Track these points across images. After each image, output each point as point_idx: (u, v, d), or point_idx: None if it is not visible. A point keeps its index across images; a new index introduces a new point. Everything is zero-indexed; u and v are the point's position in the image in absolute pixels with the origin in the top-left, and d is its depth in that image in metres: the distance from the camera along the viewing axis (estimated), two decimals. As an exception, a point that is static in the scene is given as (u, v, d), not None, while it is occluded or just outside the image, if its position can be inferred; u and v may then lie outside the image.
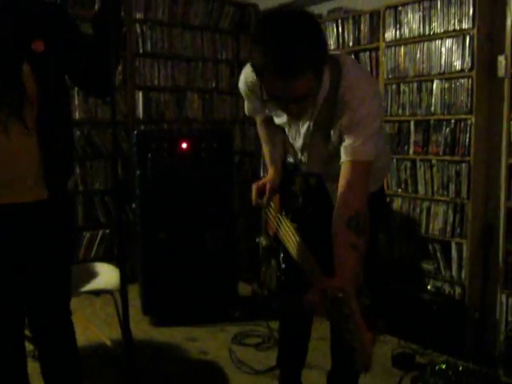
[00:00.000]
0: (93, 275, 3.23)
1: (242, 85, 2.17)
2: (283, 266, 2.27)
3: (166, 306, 4.02)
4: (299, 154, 2.19)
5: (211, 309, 4.11)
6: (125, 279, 1.95)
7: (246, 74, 2.10)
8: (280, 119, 2.10)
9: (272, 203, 2.41)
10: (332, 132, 1.91)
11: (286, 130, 2.17)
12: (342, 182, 1.79)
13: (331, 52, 1.91)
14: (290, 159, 2.33)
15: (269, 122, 2.28)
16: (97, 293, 3.09)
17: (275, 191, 2.36)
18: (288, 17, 1.66)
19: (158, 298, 3.98)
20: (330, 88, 1.84)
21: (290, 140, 2.19)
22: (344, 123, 1.84)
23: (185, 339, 3.75)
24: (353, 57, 4.45)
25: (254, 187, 2.35)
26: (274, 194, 2.37)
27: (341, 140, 1.87)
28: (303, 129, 2.04)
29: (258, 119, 2.42)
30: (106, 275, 3.18)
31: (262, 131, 2.43)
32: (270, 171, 2.39)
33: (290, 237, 2.03)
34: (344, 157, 1.82)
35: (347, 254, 1.64)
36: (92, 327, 3.81)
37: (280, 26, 1.62)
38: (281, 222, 2.25)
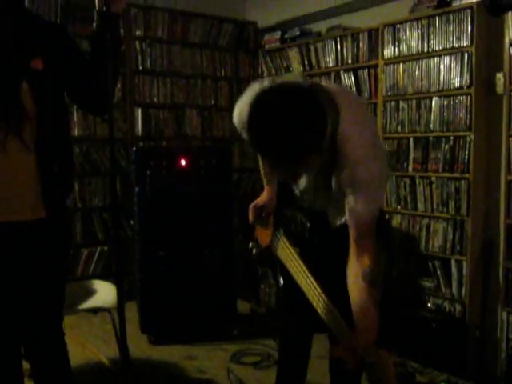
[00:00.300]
0: (90, 293, 3.21)
1: (237, 123, 2.08)
2: (282, 282, 2.25)
3: (164, 324, 3.99)
4: (301, 194, 2.16)
5: (209, 327, 4.08)
6: (122, 297, 1.92)
7: (241, 116, 1.97)
8: None
9: (269, 222, 2.40)
10: (333, 181, 1.88)
11: None
12: (351, 240, 1.81)
13: (324, 86, 1.84)
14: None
15: None
16: (94, 310, 3.06)
17: (271, 210, 2.36)
18: (288, 104, 1.53)
19: (157, 316, 3.95)
20: (328, 137, 1.73)
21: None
22: (344, 181, 1.79)
23: (183, 358, 3.71)
24: (351, 77, 4.47)
25: (252, 207, 2.35)
26: (270, 213, 2.36)
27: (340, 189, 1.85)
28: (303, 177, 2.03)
29: None
30: (104, 293, 3.16)
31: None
32: (266, 190, 2.39)
33: (293, 261, 2.01)
34: (348, 218, 1.81)
35: (368, 306, 1.69)
36: (89, 345, 3.78)
37: (280, 116, 1.51)
38: (278, 240, 2.24)
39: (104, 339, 3.87)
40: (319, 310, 1.78)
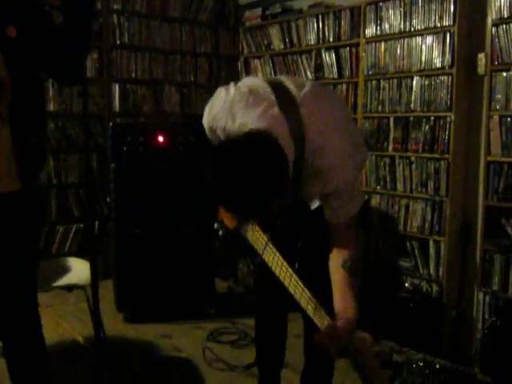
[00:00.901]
0: (65, 270, 3.15)
1: (205, 124, 2.08)
2: (259, 258, 2.23)
3: (140, 303, 3.95)
4: None
5: (186, 305, 4.06)
6: (96, 274, 1.89)
7: (212, 117, 1.98)
8: None
9: None
10: (305, 188, 1.90)
11: None
12: (332, 235, 1.86)
13: (289, 91, 1.84)
14: None
15: None
16: (69, 288, 3.01)
17: None
18: (247, 162, 1.52)
19: (132, 294, 3.91)
20: (294, 153, 1.74)
21: None
22: (319, 190, 1.83)
23: (159, 336, 3.68)
24: (333, 56, 4.42)
25: None
26: None
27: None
28: None
29: None
30: (79, 270, 3.10)
31: None
32: None
33: (264, 246, 1.99)
34: (327, 218, 1.86)
35: (347, 293, 1.75)
36: (64, 323, 3.73)
37: (240, 174, 1.52)
38: (247, 223, 2.19)
39: (79, 317, 3.82)
40: (295, 296, 1.78)
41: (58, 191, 4.65)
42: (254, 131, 1.61)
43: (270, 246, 1.95)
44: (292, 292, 1.78)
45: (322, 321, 1.64)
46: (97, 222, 4.70)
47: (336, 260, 1.82)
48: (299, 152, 1.76)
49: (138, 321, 3.88)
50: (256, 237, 2.08)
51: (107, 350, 2.60)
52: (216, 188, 1.61)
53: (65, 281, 3.02)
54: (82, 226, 4.72)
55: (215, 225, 2.41)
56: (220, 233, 2.38)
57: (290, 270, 1.80)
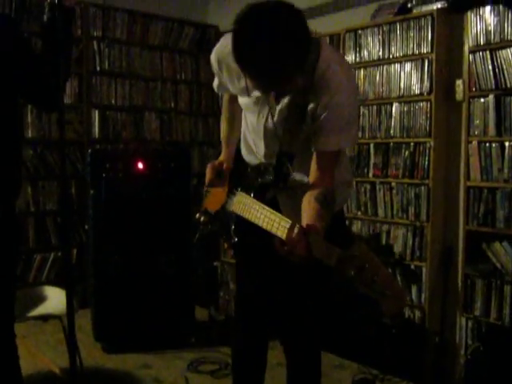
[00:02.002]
0: (41, 299, 3.08)
1: (215, 56, 2.06)
2: (235, 239, 2.20)
3: (119, 332, 3.87)
4: (259, 145, 2.11)
5: (166, 334, 3.98)
6: (72, 303, 1.84)
7: (225, 45, 1.93)
8: (248, 101, 2.04)
9: (225, 183, 2.33)
10: (308, 109, 1.87)
11: (251, 111, 2.09)
12: (313, 167, 1.88)
13: None
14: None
15: (235, 100, 2.20)
16: (45, 318, 2.94)
17: (228, 171, 2.31)
18: (276, 16, 1.60)
19: (111, 324, 3.83)
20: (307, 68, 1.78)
21: (250, 129, 2.13)
22: (322, 107, 1.82)
23: (138, 366, 3.61)
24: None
25: (210, 166, 2.27)
26: (227, 174, 2.30)
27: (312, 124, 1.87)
28: (273, 113, 1.98)
29: (225, 95, 2.36)
30: (55, 299, 3.03)
31: (225, 109, 2.37)
32: (224, 152, 2.33)
33: (251, 208, 1.96)
34: (316, 146, 1.87)
35: (316, 218, 1.73)
36: (40, 354, 3.64)
37: (269, 26, 1.57)
38: (233, 197, 2.17)
39: (56, 348, 3.73)
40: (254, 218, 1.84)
41: (35, 219, 4.58)
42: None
43: (257, 203, 1.93)
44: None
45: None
46: (75, 250, 4.64)
47: (310, 193, 1.83)
48: (313, 59, 1.78)
49: (117, 351, 3.79)
50: (243, 203, 2.05)
51: (85, 381, 2.54)
52: (246, 47, 1.60)
53: (40, 310, 2.95)
54: (59, 254, 4.64)
55: (197, 215, 2.38)
56: (202, 219, 2.34)
57: (282, 217, 1.75)
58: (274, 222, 1.75)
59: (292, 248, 1.59)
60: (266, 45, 1.55)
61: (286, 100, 1.91)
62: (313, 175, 1.88)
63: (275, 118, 1.97)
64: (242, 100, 2.09)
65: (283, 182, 2.01)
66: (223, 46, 1.97)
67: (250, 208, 1.98)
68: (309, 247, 1.56)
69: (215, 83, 2.21)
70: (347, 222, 4.16)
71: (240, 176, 2.24)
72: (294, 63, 1.60)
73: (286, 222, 1.68)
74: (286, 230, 1.64)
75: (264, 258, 2.12)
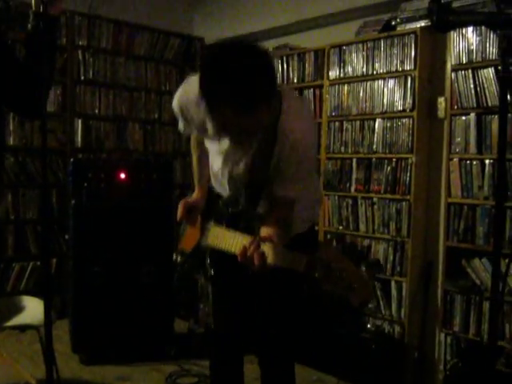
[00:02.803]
0: (18, 309, 3.03)
1: (178, 101, 2.07)
2: (212, 272, 2.25)
3: (97, 344, 3.83)
4: (226, 186, 2.17)
5: (145, 347, 3.94)
6: (49, 313, 1.82)
7: (187, 91, 2.01)
8: (214, 148, 2.10)
9: (197, 221, 2.36)
10: (272, 159, 1.93)
11: (216, 156, 2.13)
12: (274, 205, 1.99)
13: None
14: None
15: (202, 142, 2.25)
16: (22, 328, 2.90)
17: (200, 209, 2.34)
18: (244, 51, 1.66)
19: (89, 335, 3.79)
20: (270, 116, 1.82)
21: (216, 169, 2.17)
22: (280, 155, 1.90)
23: (116, 379, 3.57)
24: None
25: (182, 203, 2.30)
26: (199, 211, 2.34)
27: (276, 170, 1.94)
28: (237, 156, 2.03)
29: (192, 137, 2.38)
30: (33, 309, 2.99)
31: (194, 148, 2.39)
32: (197, 190, 2.37)
33: (224, 237, 2.03)
34: (276, 190, 1.96)
35: (273, 225, 1.89)
36: (16, 365, 3.58)
37: (236, 60, 1.62)
38: (208, 231, 2.21)
39: (33, 359, 3.68)
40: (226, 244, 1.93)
41: (15, 227, 4.53)
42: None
43: (230, 231, 2.00)
44: None
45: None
46: (54, 260, 4.59)
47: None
48: (276, 110, 1.86)
49: (95, 362, 3.75)
50: (217, 235, 2.10)
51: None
52: (210, 79, 1.64)
53: (17, 321, 2.90)
54: (38, 263, 4.59)
55: (173, 256, 2.42)
56: (178, 260, 2.37)
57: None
58: (242, 242, 1.84)
59: (249, 258, 1.71)
60: (231, 72, 1.60)
61: (251, 151, 1.99)
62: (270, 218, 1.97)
63: (240, 168, 2.05)
64: (209, 145, 2.16)
65: (252, 210, 2.08)
66: (185, 92, 2.02)
67: (223, 237, 2.04)
68: (263, 256, 1.69)
69: (180, 126, 2.19)
70: (329, 236, 4.18)
71: (212, 209, 2.28)
72: (263, 95, 1.64)
73: (250, 238, 1.80)
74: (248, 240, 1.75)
75: (238, 277, 2.16)
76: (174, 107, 2.10)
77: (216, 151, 2.10)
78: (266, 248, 1.71)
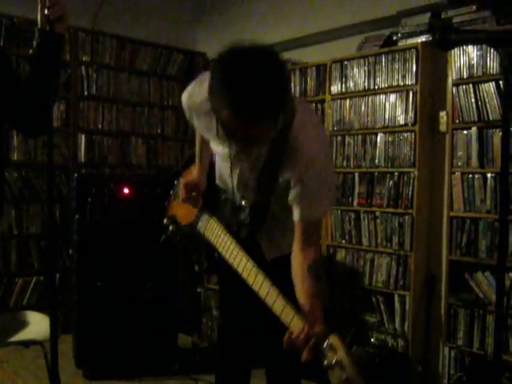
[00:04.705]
0: (22, 324, 3.03)
1: (187, 100, 2.06)
2: (205, 264, 2.22)
3: (101, 359, 3.82)
4: (236, 193, 2.10)
5: (149, 361, 3.93)
6: (55, 329, 1.82)
7: (196, 92, 1.98)
8: (220, 151, 2.04)
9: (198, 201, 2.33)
10: (280, 177, 1.87)
11: (223, 162, 2.10)
12: (298, 237, 1.83)
13: None
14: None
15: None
16: (26, 343, 2.89)
17: (202, 189, 2.30)
18: (257, 58, 1.57)
19: (93, 350, 3.79)
20: (283, 122, 1.74)
21: (225, 174, 2.12)
22: (296, 175, 1.80)
23: (120, 394, 3.56)
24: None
25: (183, 184, 2.27)
26: (200, 192, 2.30)
27: (287, 187, 1.84)
28: (245, 168, 1.98)
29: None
30: (37, 325, 2.98)
31: (198, 136, 2.33)
32: (198, 168, 2.32)
33: (224, 242, 2.00)
34: (296, 216, 1.84)
35: (315, 296, 1.71)
36: (19, 381, 3.58)
37: (248, 69, 1.53)
38: (205, 220, 2.18)
39: (36, 374, 3.67)
40: (261, 294, 1.78)
41: (18, 242, 4.55)
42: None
43: (231, 241, 1.95)
44: (256, 290, 1.77)
45: (289, 319, 1.64)
46: (58, 275, 4.59)
47: (301, 264, 1.79)
48: (288, 121, 1.76)
49: (98, 377, 3.74)
50: (215, 233, 2.06)
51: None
52: (226, 89, 1.54)
53: (21, 336, 2.89)
54: (42, 278, 4.60)
55: (164, 220, 2.38)
56: (170, 228, 2.34)
57: (254, 267, 1.78)
58: (250, 272, 1.80)
59: (297, 348, 1.59)
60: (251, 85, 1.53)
61: (260, 159, 1.90)
62: (299, 245, 1.84)
63: (249, 176, 1.98)
64: (215, 148, 2.09)
65: (258, 224, 2.02)
66: (197, 93, 1.98)
67: (219, 238, 2.03)
68: (315, 352, 1.55)
69: (187, 116, 2.17)
70: (331, 251, 4.19)
71: (213, 200, 2.24)
72: (273, 108, 1.57)
73: (264, 279, 1.74)
74: (293, 326, 1.63)
75: (243, 290, 2.15)
76: (182, 102, 2.10)
77: (222, 155, 2.05)
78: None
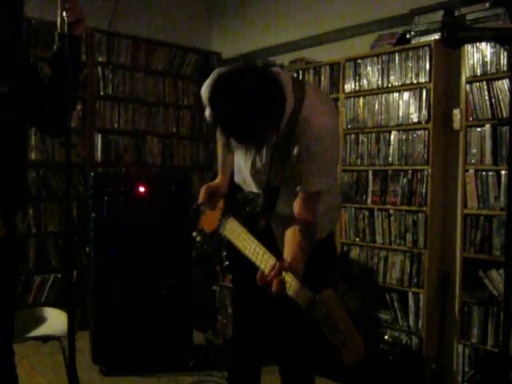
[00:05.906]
0: (40, 320, 3.09)
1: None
2: (226, 263, 2.27)
3: (117, 355, 3.87)
4: (248, 179, 2.21)
5: (164, 358, 3.98)
6: (73, 325, 1.86)
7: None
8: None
9: (217, 205, 2.41)
10: (293, 152, 1.96)
11: (238, 153, 2.22)
12: (297, 204, 1.98)
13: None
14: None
15: None
16: (44, 339, 2.95)
17: (222, 194, 2.38)
18: (247, 82, 1.72)
19: (110, 346, 3.84)
20: (293, 108, 1.91)
21: (241, 163, 2.23)
22: (303, 152, 1.92)
23: (136, 389, 3.61)
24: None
25: (204, 188, 2.36)
26: (221, 197, 2.38)
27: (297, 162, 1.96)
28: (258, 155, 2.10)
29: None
30: (55, 321, 3.04)
31: (220, 142, 2.43)
32: (220, 177, 2.41)
33: (242, 238, 2.07)
34: (298, 186, 1.97)
35: (297, 250, 1.84)
36: (37, 376, 3.64)
37: (239, 93, 1.69)
38: (226, 222, 2.25)
39: (54, 369, 3.73)
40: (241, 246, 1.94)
41: (36, 240, 4.61)
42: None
43: (248, 235, 2.01)
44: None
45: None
46: (75, 272, 4.65)
47: (294, 225, 1.93)
48: (297, 106, 1.91)
49: (115, 373, 3.80)
50: (236, 232, 2.13)
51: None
52: (218, 104, 1.73)
53: (40, 331, 2.96)
54: (59, 275, 4.67)
55: (194, 233, 2.44)
56: (198, 239, 2.41)
57: (270, 256, 1.83)
58: (258, 255, 1.87)
59: (269, 282, 1.68)
60: (234, 103, 1.69)
61: (271, 143, 2.00)
62: (296, 211, 1.98)
63: (262, 161, 2.09)
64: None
65: (269, 212, 2.09)
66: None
67: (238, 235, 2.09)
68: (284, 285, 1.65)
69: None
70: (345, 248, 4.20)
71: (232, 201, 2.32)
72: (259, 120, 1.72)
73: (269, 257, 1.80)
74: (269, 265, 1.74)
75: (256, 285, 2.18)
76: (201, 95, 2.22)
77: (237, 145, 2.13)
78: (287, 277, 1.67)
